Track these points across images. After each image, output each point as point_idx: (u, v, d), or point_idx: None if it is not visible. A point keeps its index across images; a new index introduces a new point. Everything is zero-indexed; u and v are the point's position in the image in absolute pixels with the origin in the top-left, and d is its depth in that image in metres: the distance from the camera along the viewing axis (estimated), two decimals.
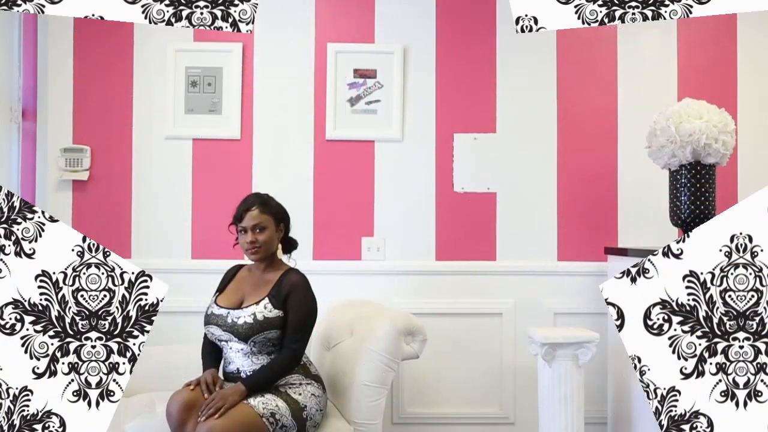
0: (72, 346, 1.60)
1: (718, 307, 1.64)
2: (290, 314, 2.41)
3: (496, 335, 3.22)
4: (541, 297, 3.22)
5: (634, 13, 1.63)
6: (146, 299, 1.64)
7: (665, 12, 1.62)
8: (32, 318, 1.58)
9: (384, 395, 2.58)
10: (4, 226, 1.58)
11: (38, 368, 1.59)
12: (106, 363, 1.62)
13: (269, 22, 3.24)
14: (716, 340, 1.64)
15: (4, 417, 1.55)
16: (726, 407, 1.63)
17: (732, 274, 1.64)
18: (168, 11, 1.61)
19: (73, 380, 1.60)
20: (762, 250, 1.64)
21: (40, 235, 1.60)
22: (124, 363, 1.62)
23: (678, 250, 1.65)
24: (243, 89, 3.22)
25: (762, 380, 1.63)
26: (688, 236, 1.65)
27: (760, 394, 1.64)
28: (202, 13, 1.62)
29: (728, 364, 1.64)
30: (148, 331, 1.63)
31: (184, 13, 1.62)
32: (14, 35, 3.27)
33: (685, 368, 1.64)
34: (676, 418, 1.63)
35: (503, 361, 3.22)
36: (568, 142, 3.27)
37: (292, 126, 3.24)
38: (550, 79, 3.28)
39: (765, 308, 1.64)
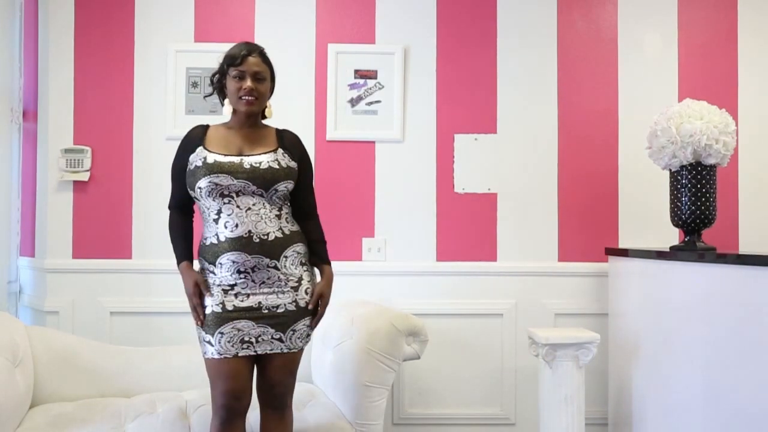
0: None
1: None
2: (304, 174, 2.26)
3: (496, 336, 3.22)
4: (541, 298, 3.22)
5: None
6: None
7: None
8: None
9: (385, 396, 2.58)
10: None
11: None
12: None
13: (270, 22, 3.24)
14: None
15: None
16: None
17: None
18: None
19: None
20: None
21: None
22: None
23: None
24: None
25: None
26: None
27: None
28: None
29: None
30: None
31: None
32: (15, 36, 3.27)
33: None
34: None
35: (504, 361, 3.22)
36: (569, 142, 3.27)
37: (292, 126, 3.20)
38: (551, 79, 3.28)
39: None
